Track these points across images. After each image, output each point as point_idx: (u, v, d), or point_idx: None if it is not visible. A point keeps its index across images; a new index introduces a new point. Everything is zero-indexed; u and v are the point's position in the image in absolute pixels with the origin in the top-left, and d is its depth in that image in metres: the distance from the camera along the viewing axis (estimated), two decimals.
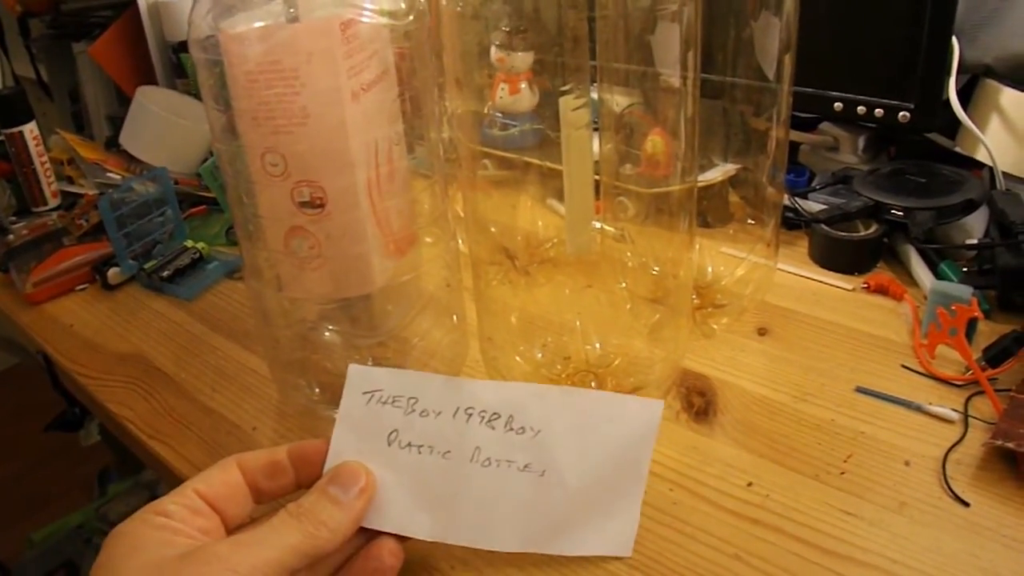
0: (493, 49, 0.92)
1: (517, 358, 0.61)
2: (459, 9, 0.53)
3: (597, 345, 0.63)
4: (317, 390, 0.61)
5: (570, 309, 0.66)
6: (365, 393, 0.49)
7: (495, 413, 0.49)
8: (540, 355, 0.63)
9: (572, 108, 0.58)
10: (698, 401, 0.61)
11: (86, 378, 0.70)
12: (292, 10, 0.54)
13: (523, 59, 0.78)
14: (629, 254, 0.65)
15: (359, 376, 0.50)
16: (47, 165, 0.97)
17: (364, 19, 0.51)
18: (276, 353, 0.63)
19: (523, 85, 0.83)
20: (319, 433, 0.59)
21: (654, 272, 0.65)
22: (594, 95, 0.61)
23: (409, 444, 0.48)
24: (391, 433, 0.48)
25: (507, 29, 0.94)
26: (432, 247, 0.62)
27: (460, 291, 0.63)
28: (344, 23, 0.52)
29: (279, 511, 0.43)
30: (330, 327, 0.64)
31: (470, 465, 0.48)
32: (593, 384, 0.61)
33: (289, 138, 0.53)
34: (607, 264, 0.66)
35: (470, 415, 0.49)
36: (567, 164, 0.60)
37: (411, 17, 0.53)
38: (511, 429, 0.48)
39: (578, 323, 0.64)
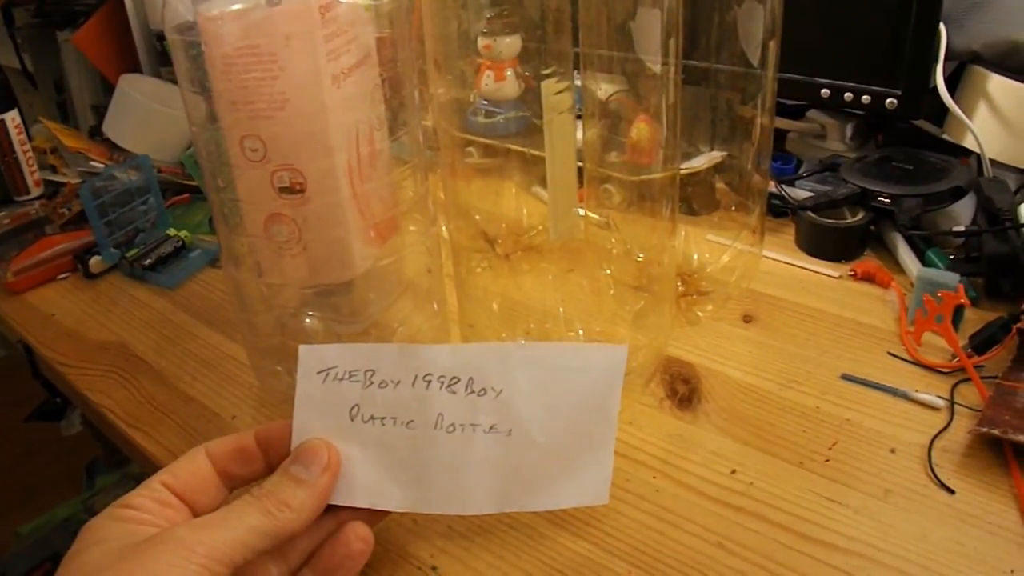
0: (480, 36, 0.92)
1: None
2: None
3: (580, 332, 0.63)
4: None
5: (553, 295, 0.65)
6: (320, 372, 0.48)
7: (454, 377, 0.47)
8: (523, 341, 0.62)
9: (554, 92, 0.57)
10: (682, 388, 0.61)
11: (66, 367, 0.69)
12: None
13: (509, 46, 0.77)
14: (613, 241, 0.65)
15: (311, 356, 0.48)
16: (29, 154, 0.96)
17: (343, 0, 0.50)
18: (255, 340, 0.62)
19: (509, 73, 0.82)
20: None
21: (638, 259, 0.65)
22: (578, 82, 0.60)
23: (372, 417, 0.47)
24: (352, 408, 0.47)
25: (491, 15, 0.93)
26: (413, 233, 0.61)
27: (441, 278, 0.63)
28: (323, 5, 0.51)
29: (243, 495, 0.43)
30: (310, 314, 0.63)
31: (435, 432, 0.47)
32: None
33: (268, 123, 0.53)
34: (591, 251, 0.66)
35: (429, 381, 0.47)
36: (549, 149, 0.59)
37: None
38: (472, 392, 0.47)
39: (561, 310, 0.63)
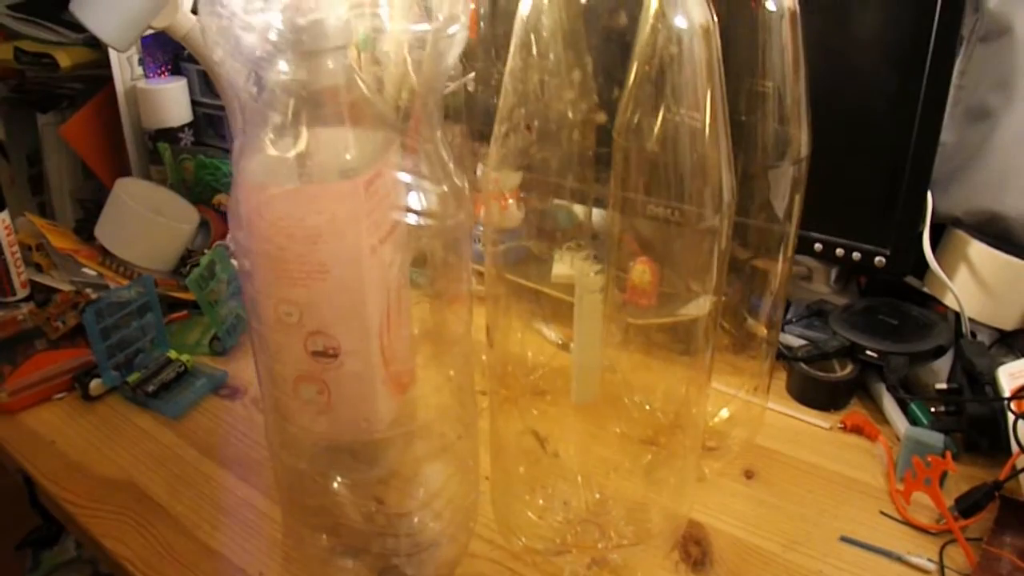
0: (480, 166, 0.94)
1: (529, 514, 0.62)
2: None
3: (597, 495, 0.65)
4: (324, 537, 0.61)
5: (565, 449, 0.67)
6: None
7: None
8: (541, 501, 0.64)
9: (588, 273, 0.60)
10: (695, 551, 0.63)
11: (74, 506, 0.68)
12: (304, 166, 0.53)
13: (514, 177, 0.80)
14: (626, 400, 0.67)
15: None
16: (17, 255, 0.95)
17: (411, 221, 0.51)
18: (290, 497, 0.62)
19: (511, 202, 0.84)
20: None
21: (646, 409, 0.67)
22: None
23: None
24: None
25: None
26: (444, 382, 0.62)
27: (474, 437, 0.63)
28: (367, 180, 0.53)
29: None
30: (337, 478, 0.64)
31: None
32: (596, 535, 0.62)
33: (306, 291, 0.53)
34: (606, 404, 0.68)
35: None
36: (578, 323, 0.61)
37: (461, 216, 0.54)
38: None
39: (579, 478, 0.65)
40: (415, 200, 0.52)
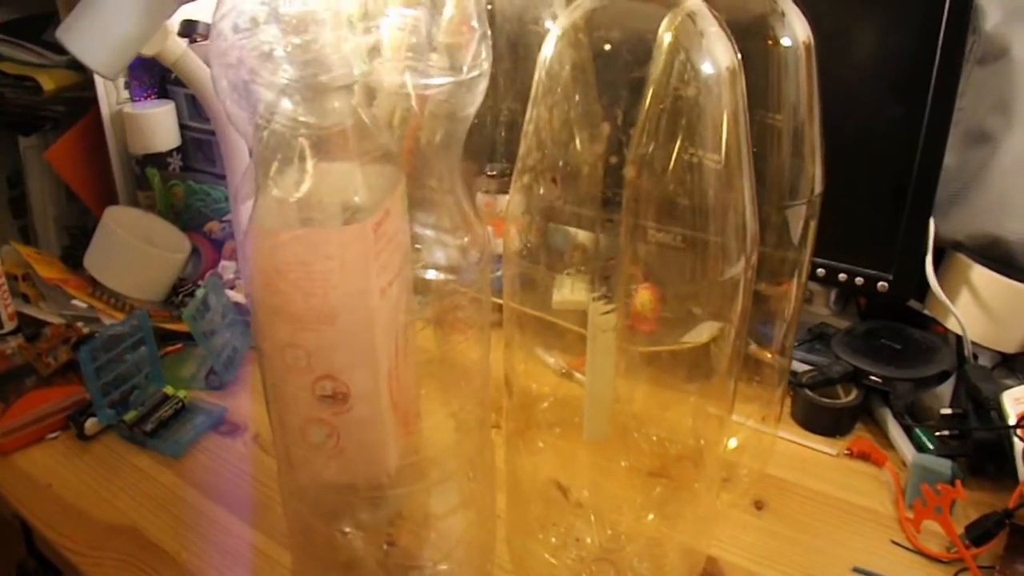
0: (479, 194, 0.93)
1: (545, 555, 0.62)
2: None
3: (608, 532, 0.64)
4: None
5: (578, 489, 0.66)
6: None
7: None
8: (554, 539, 0.64)
9: (600, 313, 0.59)
10: None
11: (75, 554, 0.66)
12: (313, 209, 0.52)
13: (514, 204, 0.79)
14: (635, 434, 0.67)
15: None
16: (3, 286, 0.93)
17: (428, 276, 0.50)
18: (302, 549, 0.61)
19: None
20: None
21: (655, 440, 0.67)
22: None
23: None
24: None
25: (493, 173, 0.94)
26: (457, 421, 0.61)
27: (491, 477, 0.62)
28: (376, 223, 0.52)
29: None
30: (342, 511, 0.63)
31: None
32: (612, 573, 0.61)
33: (314, 336, 0.53)
34: (616, 437, 0.67)
35: None
36: (591, 361, 0.61)
37: (483, 264, 0.53)
38: None
39: (592, 516, 0.64)
40: (439, 256, 0.51)
